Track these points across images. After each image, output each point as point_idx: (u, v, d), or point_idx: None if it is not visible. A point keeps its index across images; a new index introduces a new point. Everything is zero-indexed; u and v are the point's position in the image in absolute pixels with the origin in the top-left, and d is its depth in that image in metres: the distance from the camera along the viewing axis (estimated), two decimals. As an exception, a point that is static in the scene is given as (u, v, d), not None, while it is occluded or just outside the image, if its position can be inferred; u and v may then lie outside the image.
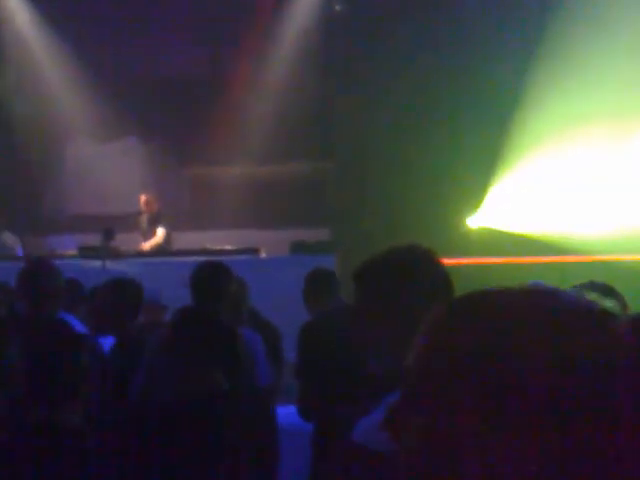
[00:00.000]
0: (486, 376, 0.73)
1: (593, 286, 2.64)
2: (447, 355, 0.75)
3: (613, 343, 0.73)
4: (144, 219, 9.54)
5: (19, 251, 9.12)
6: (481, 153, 9.43)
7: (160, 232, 9.38)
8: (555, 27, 8.93)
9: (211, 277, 4.81)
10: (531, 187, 9.67)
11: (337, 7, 10.67)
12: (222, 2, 10.50)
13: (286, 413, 4.64)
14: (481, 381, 0.73)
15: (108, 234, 8.70)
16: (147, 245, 9.35)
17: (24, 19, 10.72)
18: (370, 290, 1.85)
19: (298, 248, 8.24)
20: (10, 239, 9.28)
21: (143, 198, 9.54)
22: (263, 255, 8.50)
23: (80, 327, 4.45)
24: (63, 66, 10.67)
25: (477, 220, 10.07)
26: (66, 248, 9.00)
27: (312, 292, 4.81)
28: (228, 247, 8.53)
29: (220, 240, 9.04)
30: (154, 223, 9.47)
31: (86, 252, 8.32)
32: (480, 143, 9.39)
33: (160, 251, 9.08)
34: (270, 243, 8.90)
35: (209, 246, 8.59)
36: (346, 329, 3.20)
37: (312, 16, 10.64)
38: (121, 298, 4.57)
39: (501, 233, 9.79)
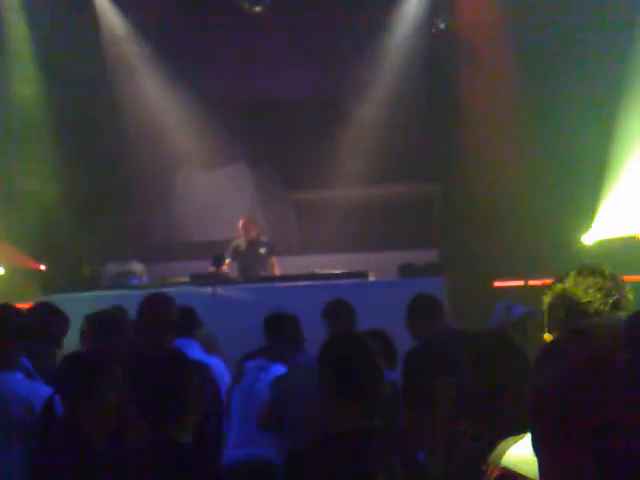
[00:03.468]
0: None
1: None
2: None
3: None
4: (243, 242, 9.54)
5: (145, 279, 9.36)
6: (589, 165, 9.12)
7: (275, 263, 9.47)
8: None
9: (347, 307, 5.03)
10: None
11: (442, 25, 10.55)
12: (329, 26, 10.57)
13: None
14: None
15: (218, 260, 8.84)
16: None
17: (131, 49, 11.04)
18: None
19: (406, 270, 8.14)
20: (138, 268, 9.55)
21: (241, 222, 9.57)
22: (372, 278, 8.44)
23: (198, 352, 4.60)
24: (170, 95, 10.96)
25: (592, 235, 9.70)
26: (177, 275, 9.19)
27: (415, 318, 4.78)
28: (336, 271, 8.51)
29: (327, 264, 9.02)
30: (254, 247, 9.48)
31: (197, 279, 8.47)
32: (587, 155, 9.08)
33: (268, 277, 9.12)
34: (378, 266, 8.83)
35: (317, 271, 8.59)
36: (451, 355, 3.13)
37: (416, 36, 10.59)
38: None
39: (617, 248, 9.37)
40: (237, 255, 9.49)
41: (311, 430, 3.20)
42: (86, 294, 8.09)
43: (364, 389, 2.67)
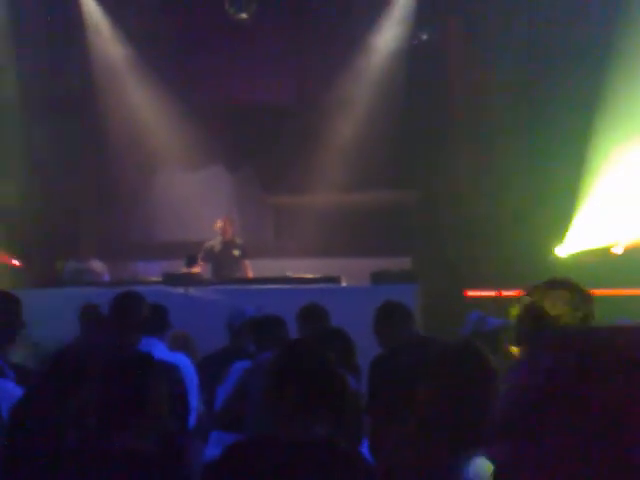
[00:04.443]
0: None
1: None
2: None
3: None
4: (217, 243, 9.59)
5: (106, 277, 9.34)
6: (565, 179, 9.23)
7: (248, 266, 9.49)
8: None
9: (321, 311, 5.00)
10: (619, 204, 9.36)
11: (424, 36, 10.63)
12: (312, 34, 10.60)
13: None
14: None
15: (191, 261, 8.81)
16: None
17: (115, 50, 11.03)
18: None
19: (379, 277, 8.15)
20: (98, 266, 9.52)
21: (220, 222, 9.62)
22: (344, 284, 8.45)
23: (164, 352, 4.59)
24: (152, 95, 10.92)
25: (565, 248, 9.79)
26: (152, 274, 9.16)
27: (383, 325, 4.77)
28: (309, 276, 8.51)
29: (301, 268, 9.03)
30: (229, 249, 9.52)
31: (170, 279, 8.43)
32: (563, 169, 9.19)
33: (241, 279, 9.13)
34: (351, 272, 8.84)
35: (290, 274, 8.59)
36: (417, 363, 3.13)
37: (398, 45, 10.65)
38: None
39: (591, 262, 9.45)
40: (211, 256, 9.51)
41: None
42: (54, 290, 8.06)
43: (325, 403, 2.58)
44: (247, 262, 9.53)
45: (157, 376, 2.89)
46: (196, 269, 8.96)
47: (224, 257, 9.48)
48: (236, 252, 9.51)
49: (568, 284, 2.47)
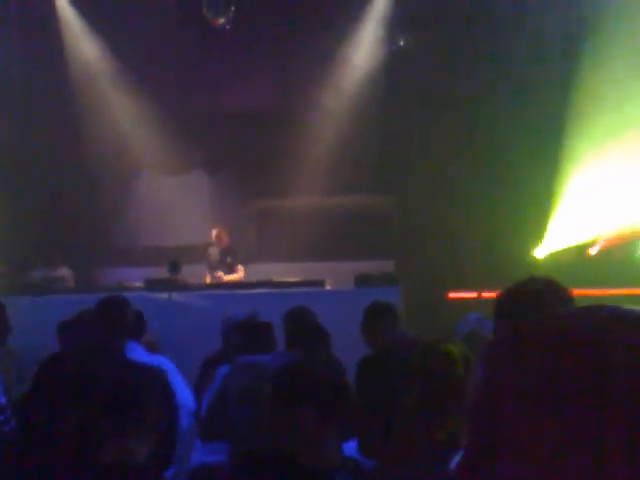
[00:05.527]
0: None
1: None
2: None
3: None
4: (214, 252, 9.72)
5: (72, 285, 9.36)
6: (540, 180, 9.34)
7: (241, 269, 9.63)
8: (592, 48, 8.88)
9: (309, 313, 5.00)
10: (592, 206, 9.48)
11: (400, 42, 10.71)
12: (290, 39, 10.61)
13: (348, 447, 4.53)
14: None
15: (174, 266, 8.81)
16: (226, 278, 9.51)
17: (92, 54, 10.98)
18: None
19: (362, 280, 8.19)
20: (67, 273, 9.53)
21: (215, 232, 9.76)
22: (328, 287, 8.48)
23: (143, 354, 4.59)
24: (131, 101, 10.90)
25: (543, 249, 9.90)
26: (134, 280, 9.14)
27: (371, 326, 4.77)
28: (293, 279, 8.55)
29: (285, 272, 9.07)
30: (225, 256, 9.64)
31: (152, 284, 8.42)
32: (536, 172, 9.32)
33: (225, 284, 9.17)
34: (334, 275, 8.88)
35: (274, 278, 8.62)
36: (405, 363, 3.14)
37: (376, 51, 10.71)
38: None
39: (568, 262, 9.56)
40: (209, 264, 9.73)
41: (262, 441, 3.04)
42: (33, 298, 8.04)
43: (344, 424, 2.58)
44: (239, 267, 9.62)
45: (156, 387, 2.86)
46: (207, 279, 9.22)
47: (220, 265, 9.66)
48: (229, 259, 9.66)
49: (546, 281, 2.50)
